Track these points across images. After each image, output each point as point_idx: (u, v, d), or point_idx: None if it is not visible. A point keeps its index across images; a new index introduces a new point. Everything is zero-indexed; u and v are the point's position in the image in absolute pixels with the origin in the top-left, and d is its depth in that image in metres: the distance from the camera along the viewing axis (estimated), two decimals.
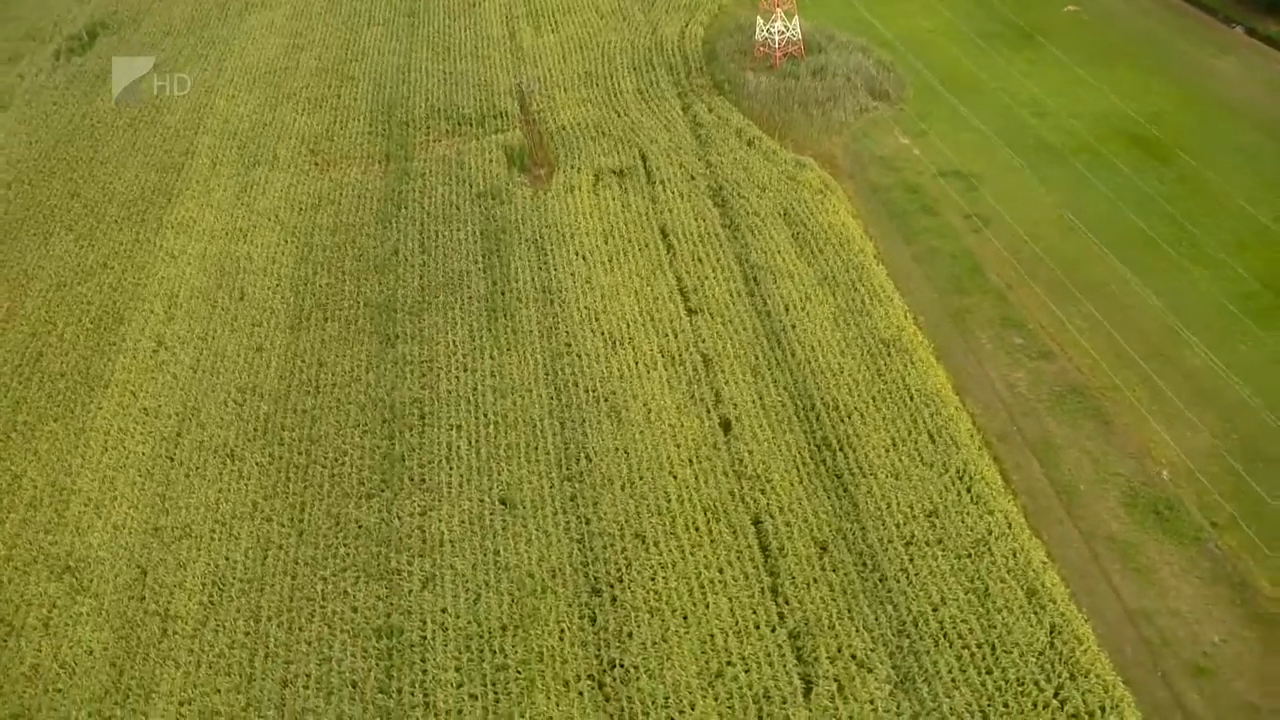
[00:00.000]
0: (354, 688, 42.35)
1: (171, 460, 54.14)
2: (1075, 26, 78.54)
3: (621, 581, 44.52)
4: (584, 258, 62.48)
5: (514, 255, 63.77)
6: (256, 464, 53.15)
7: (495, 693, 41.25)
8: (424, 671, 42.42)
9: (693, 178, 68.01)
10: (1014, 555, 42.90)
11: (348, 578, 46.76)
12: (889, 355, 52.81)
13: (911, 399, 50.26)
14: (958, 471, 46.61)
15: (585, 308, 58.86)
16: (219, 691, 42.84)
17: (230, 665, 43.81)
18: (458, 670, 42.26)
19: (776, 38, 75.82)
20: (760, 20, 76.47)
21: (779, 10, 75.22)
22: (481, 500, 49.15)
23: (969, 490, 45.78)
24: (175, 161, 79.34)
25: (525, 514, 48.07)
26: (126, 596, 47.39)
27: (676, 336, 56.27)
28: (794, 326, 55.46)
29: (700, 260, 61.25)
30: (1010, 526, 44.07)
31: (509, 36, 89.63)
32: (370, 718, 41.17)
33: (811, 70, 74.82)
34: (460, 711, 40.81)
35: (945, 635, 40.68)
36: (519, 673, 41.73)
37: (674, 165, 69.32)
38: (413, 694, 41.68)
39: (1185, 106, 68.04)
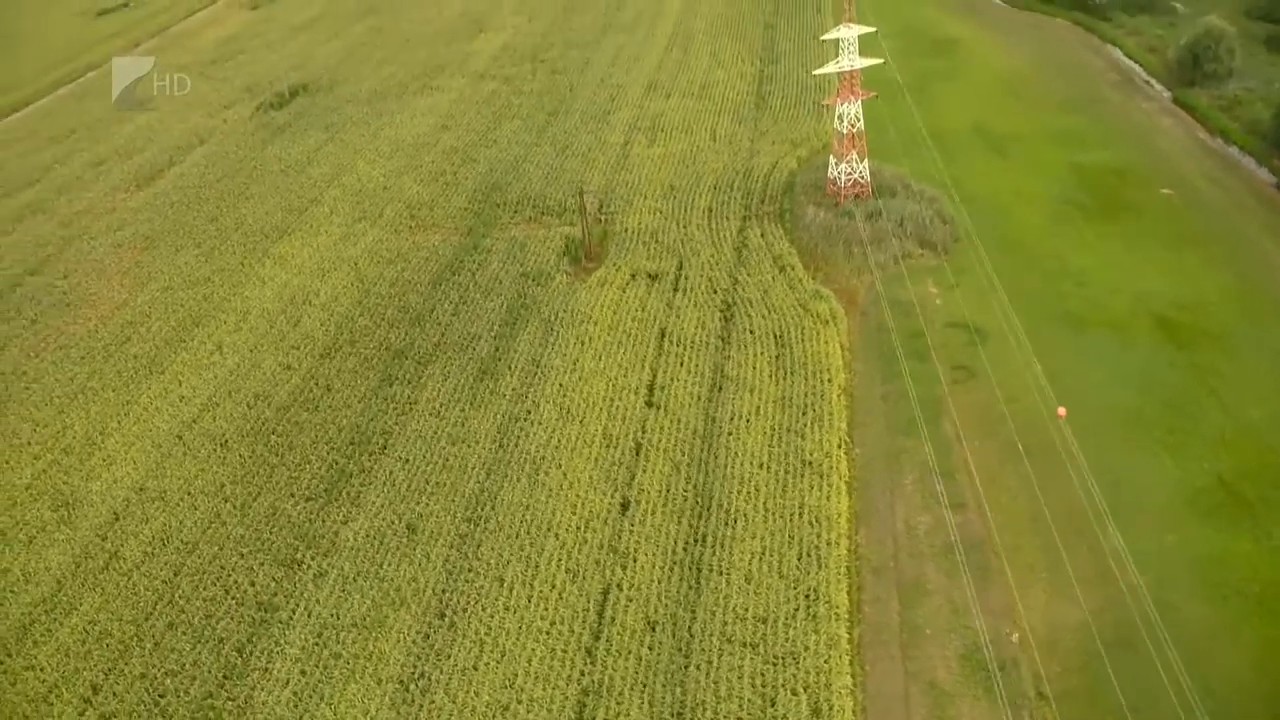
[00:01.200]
0: (219, 643, 52.94)
1: (179, 439, 68.41)
2: (1162, 209, 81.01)
3: (466, 611, 52.69)
4: (582, 343, 72.35)
5: (524, 330, 74.78)
6: (239, 455, 66.21)
7: (321, 674, 50.35)
8: (276, 643, 52.33)
9: (714, 291, 76.75)
10: (817, 674, 47.23)
11: (259, 559, 57.90)
12: (802, 475, 58.46)
13: (800, 517, 55.63)
14: (808, 590, 51.44)
15: (559, 384, 68.44)
16: (120, 620, 54.88)
17: (138, 603, 55.87)
18: (302, 649, 51.84)
19: (843, 177, 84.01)
20: (832, 160, 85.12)
21: (852, 152, 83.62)
22: (393, 522, 59.17)
23: (809, 609, 50.48)
24: (302, 206, 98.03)
25: (420, 541, 57.49)
26: (94, 534, 61.09)
27: (623, 423, 64.54)
28: (730, 434, 62.25)
29: (681, 364, 69.45)
30: (829, 649, 48.35)
31: (623, 145, 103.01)
32: (217, 668, 51.43)
33: (868, 212, 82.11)
34: (287, 682, 50.21)
35: None
36: (347, 664, 50.63)
37: (702, 278, 78.43)
38: (258, 659, 51.61)
39: (1233, 300, 69.13)
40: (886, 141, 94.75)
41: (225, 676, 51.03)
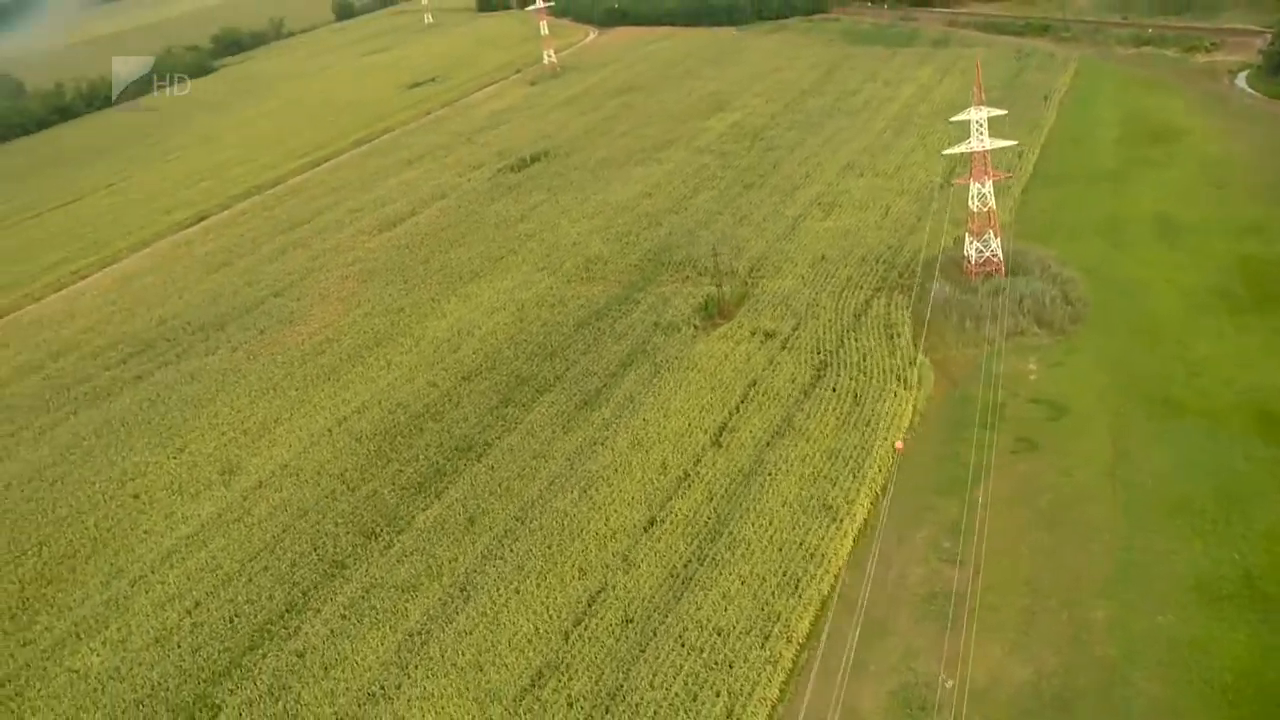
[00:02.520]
0: (292, 586, 67.56)
1: (328, 432, 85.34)
2: None
3: (481, 589, 63.71)
4: (678, 386, 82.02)
5: (634, 371, 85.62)
6: (367, 449, 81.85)
7: (355, 620, 63.28)
8: (333, 593, 66.07)
9: (818, 351, 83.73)
10: (744, 682, 53.64)
11: (347, 528, 72.39)
12: (816, 517, 64.50)
13: (796, 551, 61.86)
14: (773, 614, 57.75)
15: (644, 419, 78.43)
16: (231, 559, 71.33)
17: (249, 549, 72.07)
18: (349, 599, 65.15)
19: (975, 254, 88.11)
20: (968, 237, 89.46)
21: (988, 230, 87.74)
22: (459, 514, 71.62)
23: (764, 629, 56.83)
24: (500, 255, 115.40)
25: (474, 530, 69.41)
26: (239, 496, 78.53)
27: (682, 456, 73.30)
28: (769, 474, 69.30)
29: (757, 410, 77.19)
30: (766, 665, 54.56)
31: (797, 218, 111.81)
32: (283, 603, 65.78)
33: (993, 289, 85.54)
34: (328, 621, 63.57)
35: (640, 714, 53.25)
36: (377, 615, 63.16)
37: (812, 338, 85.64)
38: (315, 602, 65.50)
39: None
40: (1054, 225, 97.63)
41: (286, 610, 65.32)
